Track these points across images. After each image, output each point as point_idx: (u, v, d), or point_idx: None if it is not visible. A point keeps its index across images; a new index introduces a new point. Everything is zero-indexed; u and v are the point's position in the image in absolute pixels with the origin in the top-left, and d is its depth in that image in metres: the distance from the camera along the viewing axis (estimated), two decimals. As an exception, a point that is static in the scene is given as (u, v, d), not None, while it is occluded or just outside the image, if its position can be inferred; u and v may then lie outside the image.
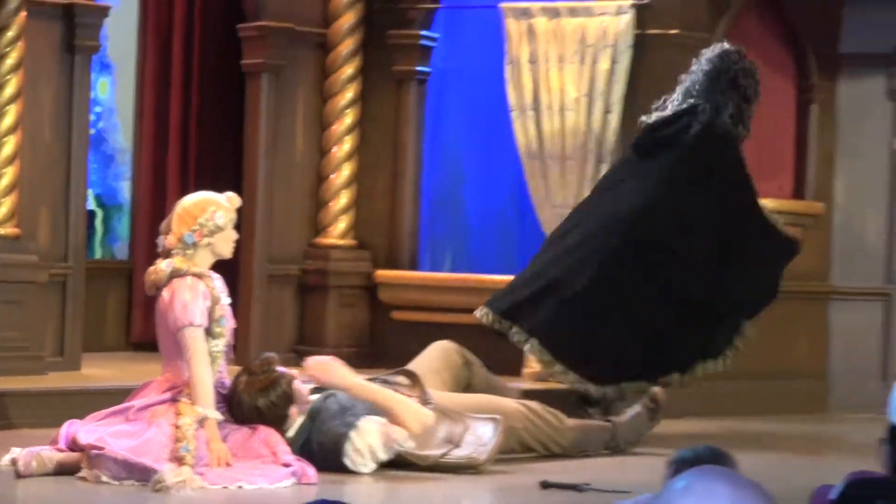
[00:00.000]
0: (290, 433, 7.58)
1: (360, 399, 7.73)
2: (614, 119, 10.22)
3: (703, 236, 8.98)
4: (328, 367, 7.89)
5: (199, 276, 7.43)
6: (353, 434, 7.56)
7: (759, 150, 10.55)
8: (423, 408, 7.78)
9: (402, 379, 8.15)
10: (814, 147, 11.18)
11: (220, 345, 7.45)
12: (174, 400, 7.32)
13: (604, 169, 10.19)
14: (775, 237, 9.23)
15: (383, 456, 7.59)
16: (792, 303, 11.03)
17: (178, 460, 7.11)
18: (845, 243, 11.35)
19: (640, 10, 10.27)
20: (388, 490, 7.48)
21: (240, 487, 7.11)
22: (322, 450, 7.57)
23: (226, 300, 7.62)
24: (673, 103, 9.06)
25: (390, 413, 7.69)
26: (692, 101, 8.97)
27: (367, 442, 7.57)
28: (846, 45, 11.29)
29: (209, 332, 7.39)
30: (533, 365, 10.07)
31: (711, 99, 8.95)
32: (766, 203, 9.67)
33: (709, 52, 9.10)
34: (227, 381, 7.60)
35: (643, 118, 9.14)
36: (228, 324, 7.52)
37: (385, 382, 8.03)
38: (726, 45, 9.20)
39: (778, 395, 10.97)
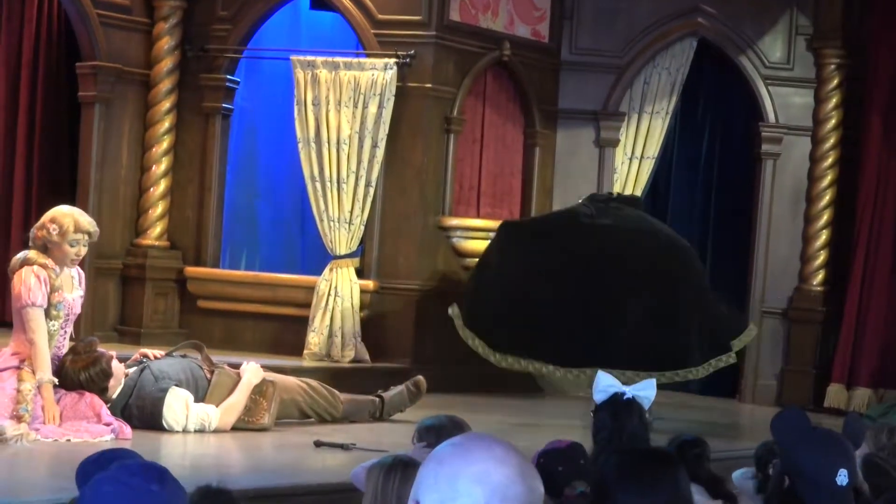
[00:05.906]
0: (112, 399, 7.43)
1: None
2: (380, 153, 10.23)
3: None
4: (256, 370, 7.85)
5: (44, 266, 7.21)
6: (167, 397, 7.47)
7: (494, 182, 10.64)
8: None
9: (194, 352, 7.98)
10: (536, 180, 11.29)
11: (57, 325, 7.25)
12: (19, 367, 7.11)
13: (371, 192, 10.18)
14: None
15: (192, 427, 7.49)
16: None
17: (18, 418, 6.95)
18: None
19: (401, 66, 10.29)
20: (195, 443, 7.41)
21: (68, 441, 7.02)
22: (141, 413, 7.46)
23: (77, 292, 7.40)
24: None
25: (234, 406, 7.63)
26: None
27: (180, 403, 7.47)
28: (563, 103, 11.48)
29: (47, 314, 7.19)
30: (312, 347, 9.98)
31: None
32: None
33: None
34: (62, 355, 7.40)
35: None
36: (65, 310, 7.29)
37: (183, 357, 7.87)
38: None
39: (501, 377, 10.95)
